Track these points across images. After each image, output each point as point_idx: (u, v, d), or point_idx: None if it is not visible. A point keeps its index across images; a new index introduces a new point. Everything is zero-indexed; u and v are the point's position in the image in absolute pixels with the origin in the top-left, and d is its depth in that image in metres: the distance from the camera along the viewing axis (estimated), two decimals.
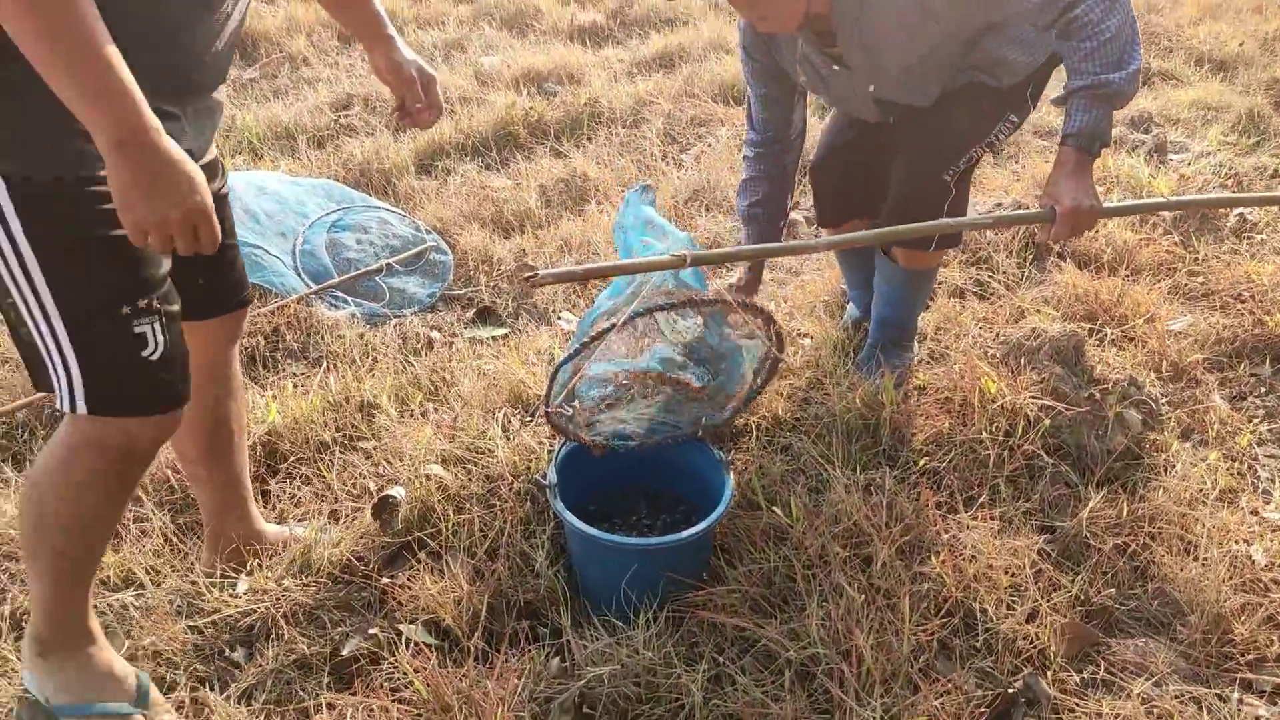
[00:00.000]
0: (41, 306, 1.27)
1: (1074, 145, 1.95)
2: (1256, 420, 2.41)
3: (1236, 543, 1.99)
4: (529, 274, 1.50)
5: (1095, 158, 1.98)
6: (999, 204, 3.21)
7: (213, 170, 1.57)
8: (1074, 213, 1.93)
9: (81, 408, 1.32)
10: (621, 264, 1.66)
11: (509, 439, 2.18)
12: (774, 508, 1.95)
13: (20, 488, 2.05)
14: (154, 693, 1.61)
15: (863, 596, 1.75)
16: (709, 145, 4.08)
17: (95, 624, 1.59)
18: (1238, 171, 3.56)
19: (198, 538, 2.02)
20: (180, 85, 1.38)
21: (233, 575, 1.90)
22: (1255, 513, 2.11)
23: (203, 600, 1.85)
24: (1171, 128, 4.06)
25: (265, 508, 2.13)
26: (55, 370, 1.32)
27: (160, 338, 1.34)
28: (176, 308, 1.40)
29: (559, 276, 1.56)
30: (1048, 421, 2.19)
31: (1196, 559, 1.94)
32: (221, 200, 1.61)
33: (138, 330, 1.31)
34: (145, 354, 1.33)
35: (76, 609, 1.54)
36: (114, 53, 1.12)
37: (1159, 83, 4.71)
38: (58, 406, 1.33)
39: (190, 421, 1.77)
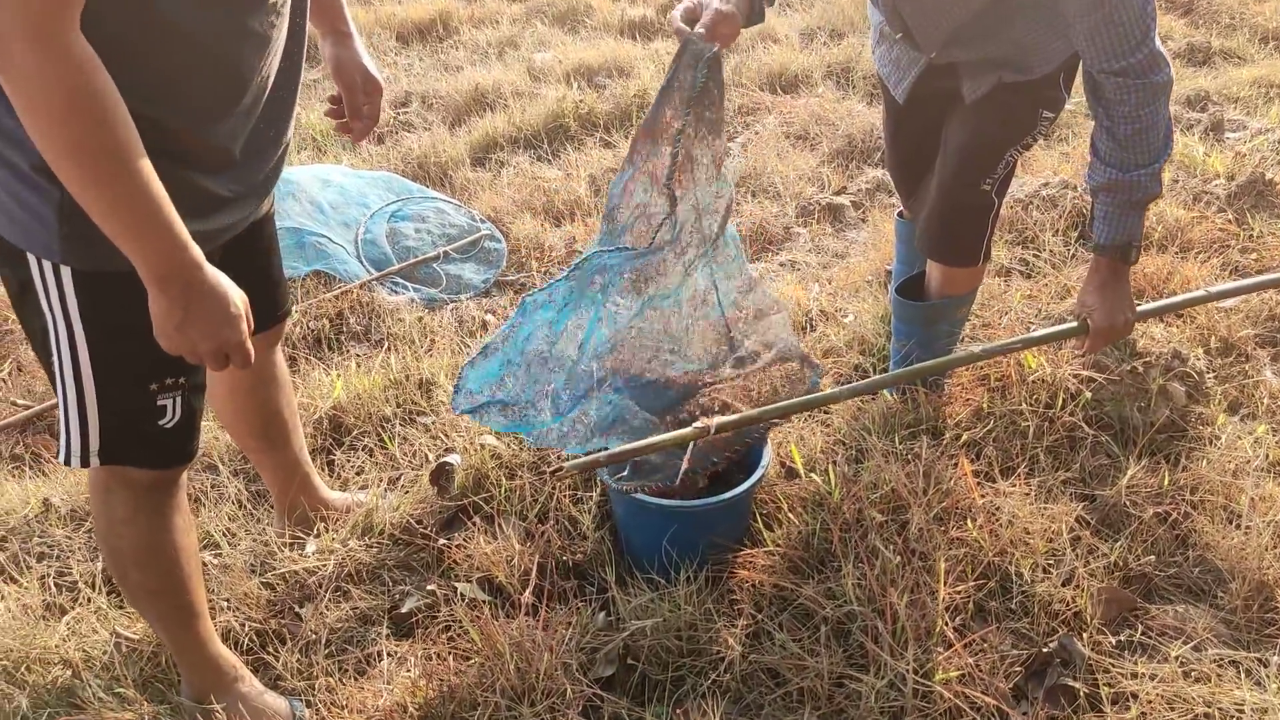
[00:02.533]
0: (77, 373, 1.33)
1: (1110, 258, 1.87)
2: None
3: None
4: (555, 468, 1.58)
5: (1132, 264, 1.89)
6: (1045, 184, 3.21)
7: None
8: (1109, 331, 1.89)
9: (94, 461, 1.39)
10: (641, 444, 1.66)
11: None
12: (812, 475, 2.01)
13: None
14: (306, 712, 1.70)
15: (898, 558, 1.80)
16: (756, 133, 4.13)
17: (234, 662, 1.69)
18: None
19: (270, 504, 2.16)
20: (228, 163, 1.36)
21: (301, 538, 2.02)
22: None
23: (275, 560, 1.98)
24: (1230, 106, 3.99)
25: (330, 477, 2.26)
26: (69, 424, 1.37)
27: (179, 410, 1.41)
28: (202, 380, 1.46)
29: (582, 465, 1.60)
30: (1088, 394, 2.20)
31: (1239, 527, 1.95)
32: (266, 220, 1.66)
33: (160, 403, 1.39)
34: (162, 422, 1.40)
35: (205, 649, 1.64)
36: (158, 190, 1.12)
37: (1219, 61, 4.62)
38: (60, 459, 1.39)
39: (247, 419, 1.89)
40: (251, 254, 1.62)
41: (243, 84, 1.30)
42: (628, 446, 1.65)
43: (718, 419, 1.68)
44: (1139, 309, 1.95)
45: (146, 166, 1.11)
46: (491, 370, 1.84)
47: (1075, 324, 1.94)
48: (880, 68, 2.23)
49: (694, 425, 1.67)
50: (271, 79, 1.36)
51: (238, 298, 1.25)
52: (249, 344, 1.27)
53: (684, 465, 1.72)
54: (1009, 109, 1.98)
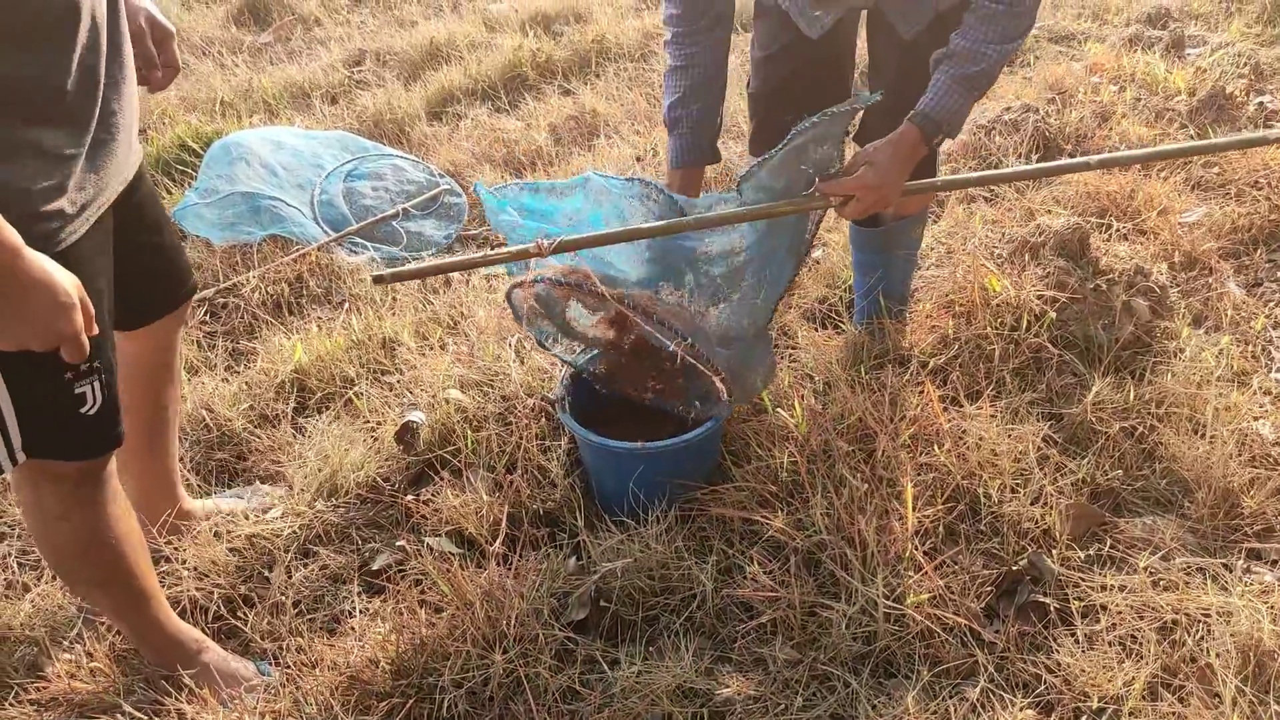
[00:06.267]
0: None
1: (919, 126, 1.76)
2: (1272, 304, 2.40)
3: (1246, 421, 2.00)
4: (375, 274, 1.54)
5: (929, 148, 1.80)
6: (1007, 108, 3.17)
7: (137, 176, 1.49)
8: (876, 188, 1.75)
9: (20, 456, 1.31)
10: (469, 259, 1.64)
11: (522, 362, 2.24)
12: (779, 410, 2.00)
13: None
14: (272, 671, 1.68)
15: (866, 486, 1.79)
16: None
17: (196, 635, 1.66)
18: (1258, 61, 3.46)
19: (232, 473, 2.13)
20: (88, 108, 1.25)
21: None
22: (1268, 392, 2.11)
23: (239, 526, 1.96)
24: (1191, 22, 3.95)
25: (297, 436, 2.22)
26: None
27: (99, 395, 1.33)
28: (112, 360, 1.38)
29: (398, 275, 1.57)
30: (1053, 314, 2.20)
31: (1204, 437, 1.95)
32: (140, 180, 1.51)
33: (78, 391, 1.31)
34: (83, 410, 1.32)
35: (164, 630, 1.61)
36: None
37: None
38: None
39: (131, 411, 1.72)
40: (138, 229, 1.51)
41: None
42: (449, 260, 1.68)
43: (555, 238, 1.60)
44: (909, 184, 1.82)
45: None
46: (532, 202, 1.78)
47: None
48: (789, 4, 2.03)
49: (530, 243, 1.60)
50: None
51: (69, 284, 1.12)
52: (84, 337, 1.15)
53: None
54: (943, 39, 1.89)
